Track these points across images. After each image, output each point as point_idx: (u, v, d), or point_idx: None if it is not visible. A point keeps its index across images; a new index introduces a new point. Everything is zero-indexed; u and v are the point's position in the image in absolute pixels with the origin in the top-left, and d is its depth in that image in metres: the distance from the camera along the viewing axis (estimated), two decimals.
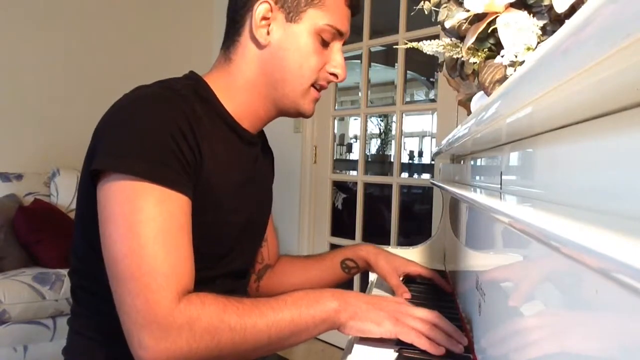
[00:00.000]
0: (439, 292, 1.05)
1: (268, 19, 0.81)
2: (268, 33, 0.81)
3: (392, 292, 1.04)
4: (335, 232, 2.96)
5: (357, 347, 0.71)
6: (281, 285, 1.06)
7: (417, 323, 0.71)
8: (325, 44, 0.84)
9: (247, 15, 0.82)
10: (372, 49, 2.96)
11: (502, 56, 0.56)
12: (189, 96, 0.78)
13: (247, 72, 0.84)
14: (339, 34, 0.84)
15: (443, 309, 0.78)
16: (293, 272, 1.08)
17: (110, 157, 0.70)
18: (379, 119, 6.01)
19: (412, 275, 1.08)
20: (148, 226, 0.66)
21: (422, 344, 0.69)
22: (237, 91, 0.85)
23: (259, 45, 0.82)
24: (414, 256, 1.28)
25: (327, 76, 0.86)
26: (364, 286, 1.27)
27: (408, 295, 0.98)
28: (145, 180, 0.67)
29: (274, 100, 0.85)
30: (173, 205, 0.69)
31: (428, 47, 0.75)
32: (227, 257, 0.86)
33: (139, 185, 0.67)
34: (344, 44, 0.87)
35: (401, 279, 1.05)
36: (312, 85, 0.85)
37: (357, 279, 2.72)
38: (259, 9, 0.80)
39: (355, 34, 2.74)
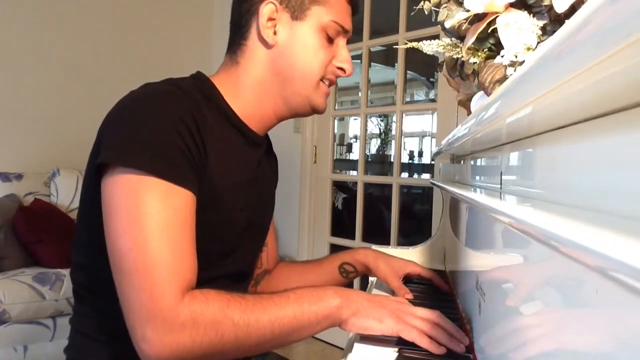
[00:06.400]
0: (437, 291, 1.06)
1: (274, 19, 0.83)
2: (275, 33, 0.83)
3: (393, 294, 1.04)
4: (335, 232, 2.96)
5: (357, 346, 0.71)
6: (278, 290, 1.06)
7: (419, 322, 0.71)
8: (330, 40, 0.85)
9: (252, 18, 0.84)
10: (372, 49, 2.96)
11: (502, 56, 0.56)
12: (196, 95, 0.79)
13: (255, 73, 0.85)
14: (343, 30, 0.86)
15: (443, 308, 0.78)
16: (290, 277, 1.08)
17: (116, 151, 0.70)
18: (379, 119, 6.01)
19: (411, 275, 1.08)
20: (153, 220, 0.67)
21: (424, 342, 0.69)
22: (245, 92, 0.86)
23: (267, 46, 0.84)
24: (414, 256, 1.28)
25: (334, 70, 0.87)
26: (364, 287, 1.27)
27: (410, 296, 0.98)
28: (151, 175, 0.68)
29: (285, 98, 0.86)
30: (178, 201, 0.69)
31: (428, 47, 0.75)
32: (228, 258, 0.86)
33: (144, 179, 0.68)
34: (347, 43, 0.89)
35: (402, 280, 1.05)
36: (321, 80, 0.86)
37: (357, 280, 2.72)
38: (265, 10, 0.82)
39: (355, 34, 2.73)
